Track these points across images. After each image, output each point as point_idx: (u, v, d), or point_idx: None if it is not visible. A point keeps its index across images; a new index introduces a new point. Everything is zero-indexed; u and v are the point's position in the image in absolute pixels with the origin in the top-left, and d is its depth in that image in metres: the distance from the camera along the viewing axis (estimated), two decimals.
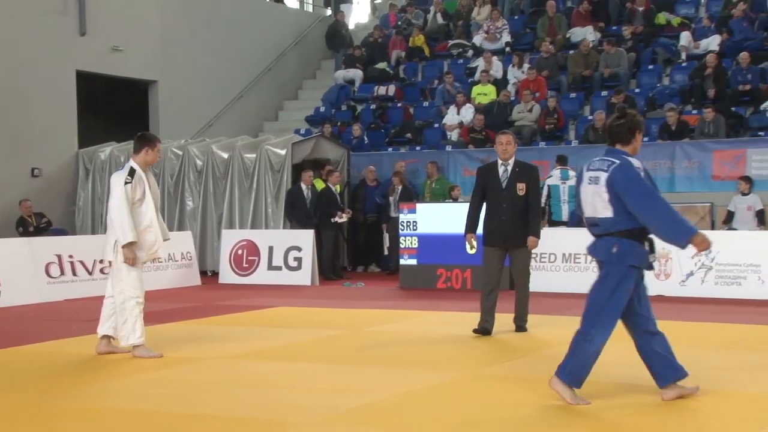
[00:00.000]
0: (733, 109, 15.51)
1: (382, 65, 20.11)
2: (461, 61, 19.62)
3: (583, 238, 12.81)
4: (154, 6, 18.74)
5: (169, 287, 13.64)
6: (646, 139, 15.59)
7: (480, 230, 8.81)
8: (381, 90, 19.32)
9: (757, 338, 8.52)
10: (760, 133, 14.90)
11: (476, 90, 17.86)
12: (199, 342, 8.54)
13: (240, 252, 14.33)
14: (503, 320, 8.79)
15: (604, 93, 16.88)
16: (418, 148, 17.29)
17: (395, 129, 18.07)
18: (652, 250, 5.69)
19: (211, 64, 19.73)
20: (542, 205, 11.83)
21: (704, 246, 5.43)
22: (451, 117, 17.46)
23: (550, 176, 13.94)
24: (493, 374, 6.93)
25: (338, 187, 15.09)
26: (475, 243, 8.79)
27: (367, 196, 15.78)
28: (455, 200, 14.07)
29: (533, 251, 9.16)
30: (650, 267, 5.71)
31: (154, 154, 7.66)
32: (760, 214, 13.52)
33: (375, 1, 24.77)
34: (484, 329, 8.52)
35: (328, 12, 23.50)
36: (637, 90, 16.97)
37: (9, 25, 16.20)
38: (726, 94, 15.66)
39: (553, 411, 5.62)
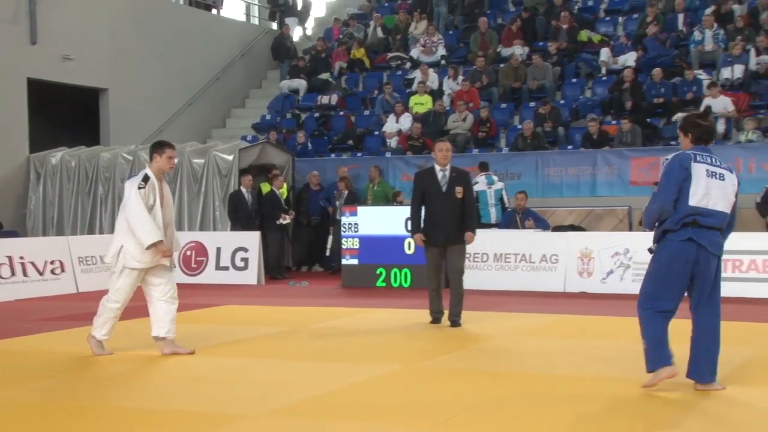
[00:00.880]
0: (648, 120, 15.77)
1: (325, 76, 20.05)
2: (399, 72, 19.67)
3: (511, 239, 13.01)
4: (104, 17, 18.45)
5: None
6: (569, 147, 15.86)
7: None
8: (324, 99, 19.26)
9: (672, 330, 8.63)
10: (672, 143, 15.15)
11: (414, 100, 17.91)
12: (148, 339, 8.37)
13: (189, 253, 14.15)
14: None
15: (532, 104, 17.06)
16: (359, 154, 17.28)
17: (338, 136, 18.02)
18: None
19: (161, 74, 19.49)
20: None
21: None
22: (391, 125, 17.48)
23: (476, 182, 13.94)
24: (430, 367, 6.93)
25: (283, 190, 15.01)
26: (423, 240, 8.87)
27: (311, 200, 15.73)
28: (401, 204, 14.08)
29: (467, 251, 9.23)
30: None
31: (164, 160, 7.25)
32: None
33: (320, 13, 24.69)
34: (437, 319, 8.89)
35: (274, 25, 23.39)
36: (562, 101, 17.17)
37: None
38: (642, 106, 15.94)
39: (487, 400, 5.65)
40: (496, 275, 12.10)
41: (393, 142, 17.18)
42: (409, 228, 9.68)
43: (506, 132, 16.96)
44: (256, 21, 24.12)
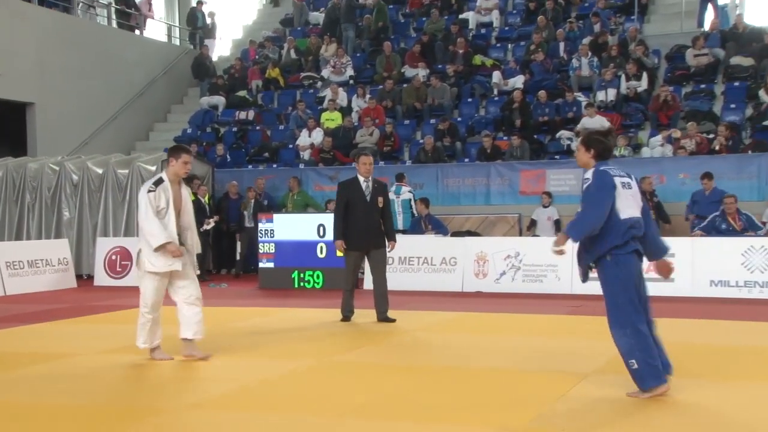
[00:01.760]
0: (535, 136, 16.14)
1: (242, 93, 19.85)
2: (311, 90, 19.61)
3: (415, 243, 13.04)
4: (31, 35, 17.88)
5: (47, 289, 13.01)
6: (466, 160, 16.10)
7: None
8: (241, 114, 19.07)
9: (556, 326, 8.88)
10: (557, 157, 15.57)
11: (325, 116, 17.88)
12: (74, 339, 8.13)
13: (114, 257, 13.80)
14: (360, 314, 8.87)
15: (432, 121, 17.25)
16: (274, 165, 17.13)
17: (254, 149, 17.84)
18: None
19: (86, 89, 18.99)
20: None
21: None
22: (304, 139, 17.40)
23: (389, 190, 14.07)
24: (342, 361, 6.92)
25: (206, 199, 14.77)
26: (344, 247, 8.89)
27: (230, 208, 15.52)
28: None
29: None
30: None
31: (178, 165, 6.64)
32: (557, 223, 14.15)
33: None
34: (347, 317, 8.95)
35: (193, 46, 23.09)
36: (459, 119, 17.41)
37: None
38: (529, 124, 16.30)
39: (397, 390, 5.67)
40: (401, 276, 12.16)
41: (306, 155, 17.11)
42: (331, 234, 9.58)
43: (409, 146, 17.10)
44: (177, 42, 23.77)
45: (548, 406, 5.22)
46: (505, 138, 16.12)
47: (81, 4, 20.75)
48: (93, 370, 6.67)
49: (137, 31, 22.02)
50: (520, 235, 14.04)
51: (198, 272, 6.86)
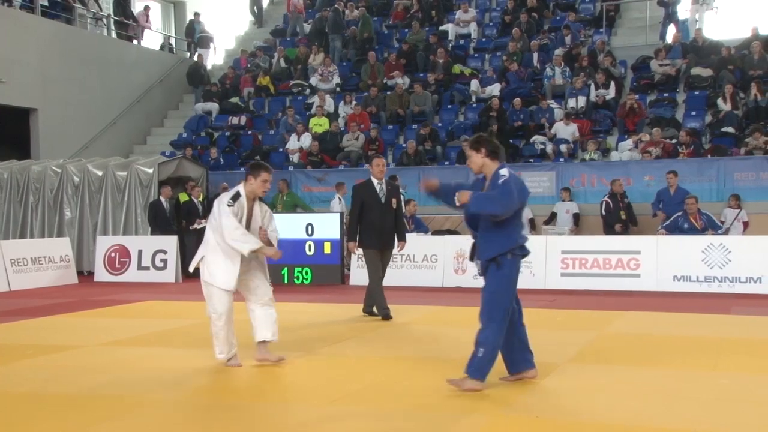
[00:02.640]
0: (511, 141, 16.18)
1: (234, 100, 19.77)
2: (300, 97, 19.55)
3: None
4: (33, 44, 17.71)
5: (50, 285, 12.91)
6: (446, 163, 16.12)
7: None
8: (234, 120, 18.98)
9: (531, 319, 8.86)
10: (531, 160, 15.63)
11: (313, 121, 17.84)
12: (75, 332, 8.07)
13: (113, 255, 13.70)
14: (347, 309, 8.82)
15: (414, 126, 17.25)
16: None
17: (246, 152, 17.76)
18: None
19: (87, 96, 18.87)
20: None
21: None
22: (293, 143, 17.36)
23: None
24: (330, 353, 6.90)
25: (201, 199, 14.69)
26: (356, 250, 8.74)
27: None
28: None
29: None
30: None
31: (258, 184, 5.93)
32: (531, 222, 14.19)
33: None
34: (387, 316, 8.54)
35: (188, 55, 23.00)
36: (439, 124, 17.42)
37: None
38: (506, 129, 16.31)
39: (385, 380, 5.66)
40: (386, 273, 12.12)
41: (295, 158, 17.07)
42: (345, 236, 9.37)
43: (393, 150, 17.09)
44: (173, 51, 23.66)
45: (525, 393, 5.23)
46: None
47: (82, 16, 20.61)
48: (94, 361, 6.62)
49: (135, 41, 21.90)
50: None
51: (268, 277, 6.22)
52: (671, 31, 18.44)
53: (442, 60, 18.59)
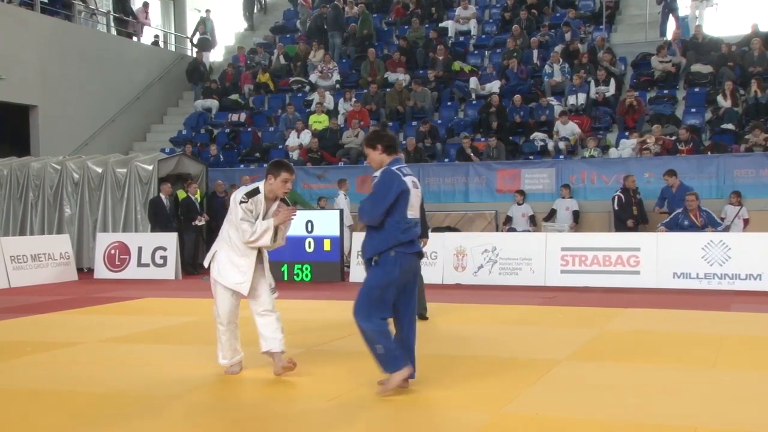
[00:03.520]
0: (511, 137, 16.17)
1: (234, 97, 19.75)
2: (300, 94, 19.53)
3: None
4: (33, 42, 17.71)
5: (50, 282, 12.91)
6: (446, 160, 16.10)
7: None
8: (234, 117, 18.96)
9: (531, 315, 8.90)
10: (531, 157, 15.60)
11: (312, 118, 17.81)
12: (75, 329, 8.06)
13: (113, 252, 13.69)
14: (345, 306, 8.71)
15: (414, 123, 17.22)
16: (264, 165, 16.97)
17: (246, 149, 17.75)
18: None
19: (86, 93, 18.86)
20: None
21: None
22: (293, 140, 17.33)
23: None
24: (327, 350, 6.89)
25: (197, 196, 14.67)
26: None
27: (217, 205, 15.37)
28: (323, 208, 13.98)
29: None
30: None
31: (278, 183, 5.49)
32: (531, 219, 14.19)
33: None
34: (421, 315, 8.15)
35: (188, 52, 22.94)
36: (439, 121, 17.40)
37: None
38: (505, 126, 16.31)
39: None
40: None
41: (295, 155, 17.04)
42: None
43: None
44: (173, 48, 23.63)
45: (524, 390, 5.23)
46: (482, 139, 16.14)
47: (81, 13, 20.57)
48: (94, 357, 6.61)
49: (134, 38, 21.86)
50: (497, 230, 14.05)
51: (273, 285, 5.78)
52: (671, 28, 18.42)
53: (441, 57, 18.56)
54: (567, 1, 20.31)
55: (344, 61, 20.23)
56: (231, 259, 5.59)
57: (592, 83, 16.70)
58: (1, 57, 16.89)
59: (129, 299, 10.61)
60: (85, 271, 14.35)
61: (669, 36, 18.17)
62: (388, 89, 18.34)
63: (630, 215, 13.12)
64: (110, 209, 14.82)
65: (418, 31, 19.98)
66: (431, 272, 12.12)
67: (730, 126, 14.91)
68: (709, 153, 14.29)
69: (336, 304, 9.18)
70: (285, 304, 9.95)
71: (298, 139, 17.24)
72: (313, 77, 19.53)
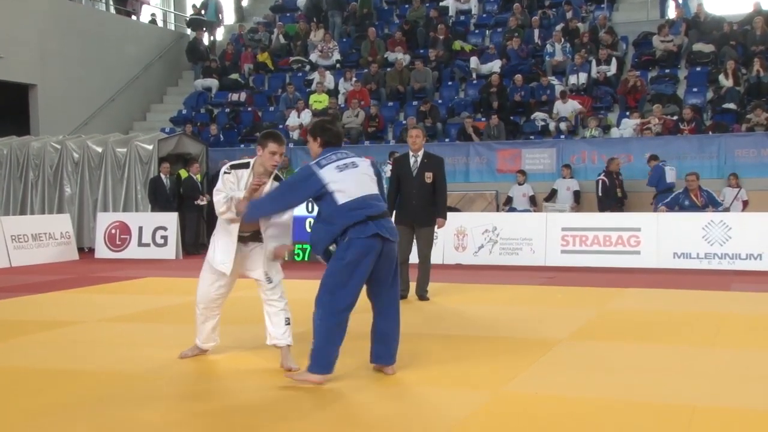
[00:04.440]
0: (511, 117, 16.10)
1: (234, 76, 19.64)
2: (300, 74, 19.43)
3: None
4: (31, 20, 17.62)
5: (50, 261, 12.91)
6: (446, 140, 16.04)
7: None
8: (234, 96, 18.88)
9: (531, 296, 8.90)
10: (532, 137, 15.56)
11: (313, 98, 17.73)
12: (76, 308, 8.06)
13: (113, 231, 13.68)
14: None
15: (415, 103, 17.14)
16: None
17: (246, 129, 17.68)
18: None
19: (85, 72, 18.78)
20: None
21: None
22: (293, 120, 17.26)
23: (385, 170, 13.92)
24: None
25: (199, 176, 14.64)
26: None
27: None
28: None
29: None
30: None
31: (265, 155, 5.10)
32: (532, 199, 14.16)
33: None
34: (401, 296, 7.92)
35: (188, 31, 22.78)
36: (440, 101, 17.32)
37: None
38: (506, 106, 16.24)
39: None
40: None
41: (295, 135, 16.98)
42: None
43: (393, 127, 17.01)
44: (172, 27, 23.48)
45: (524, 370, 5.23)
46: (483, 119, 16.09)
47: None
48: (94, 336, 6.61)
49: (134, 17, 21.71)
50: (497, 210, 14.03)
51: (269, 276, 5.31)
52: (672, 7, 18.28)
53: (442, 36, 18.44)
54: None
55: (344, 40, 20.10)
56: (217, 239, 5.33)
57: (594, 62, 16.59)
58: (0, 36, 16.78)
59: (130, 279, 10.60)
60: (85, 251, 14.35)
61: (671, 15, 18.04)
62: (388, 69, 18.24)
63: (614, 199, 13.11)
64: (110, 189, 14.78)
65: (419, 10, 19.84)
66: (432, 252, 12.09)
67: (731, 105, 14.83)
68: (710, 133, 14.23)
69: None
70: (286, 283, 9.95)
71: (298, 119, 17.17)
72: (314, 56, 19.42)
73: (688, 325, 6.83)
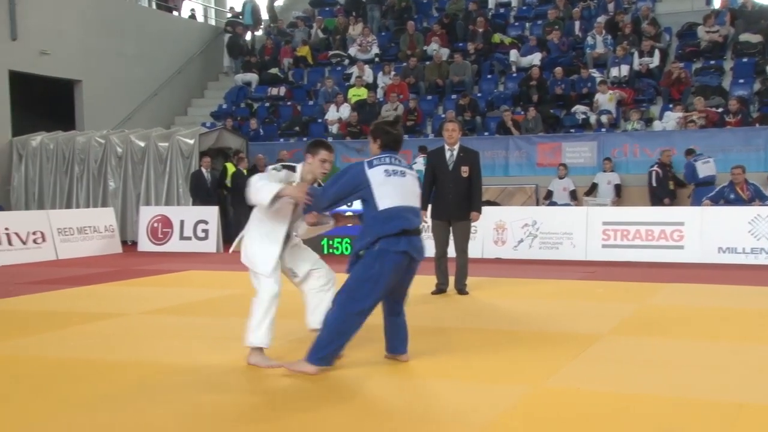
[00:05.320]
0: (551, 111, 15.93)
1: (274, 71, 19.74)
2: (339, 68, 19.46)
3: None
4: (76, 17, 17.95)
5: (95, 254, 13.15)
6: (486, 133, 15.94)
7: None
8: (273, 91, 18.99)
9: (572, 290, 8.80)
10: (572, 131, 15.38)
11: (352, 92, 17.75)
12: (119, 300, 8.19)
13: (156, 225, 13.87)
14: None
15: (454, 96, 17.06)
16: (304, 139, 17.03)
17: (285, 123, 17.78)
18: None
19: (129, 67, 19.07)
20: None
21: None
22: (332, 114, 17.31)
23: (415, 163, 13.94)
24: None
25: (245, 170, 14.77)
26: (428, 219, 8.13)
27: None
28: None
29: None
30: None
31: (315, 163, 5.11)
32: (572, 193, 14.00)
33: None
34: (440, 290, 8.17)
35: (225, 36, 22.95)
36: (479, 94, 17.21)
37: None
38: (546, 99, 16.07)
39: (425, 351, 5.63)
40: (426, 244, 12.06)
41: (334, 129, 17.03)
42: None
43: (431, 120, 16.95)
44: (213, 22, 23.72)
45: (566, 364, 5.17)
46: (522, 112, 15.94)
47: None
48: (137, 328, 6.71)
49: (175, 12, 21.95)
50: (537, 204, 13.92)
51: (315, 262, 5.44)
52: None
53: (481, 29, 18.31)
54: None
55: (383, 34, 20.08)
56: (255, 242, 5.26)
57: (636, 54, 16.32)
58: (45, 32, 17.12)
59: (171, 272, 10.74)
60: (128, 244, 14.58)
61: (716, 5, 17.65)
62: (427, 62, 18.18)
63: (666, 191, 12.88)
64: (153, 183, 15.00)
65: (458, 3, 19.71)
66: (471, 246, 11.96)
67: None
68: (756, 125, 13.91)
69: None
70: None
71: (337, 113, 17.21)
72: (352, 51, 19.43)
73: (732, 321, 6.69)
